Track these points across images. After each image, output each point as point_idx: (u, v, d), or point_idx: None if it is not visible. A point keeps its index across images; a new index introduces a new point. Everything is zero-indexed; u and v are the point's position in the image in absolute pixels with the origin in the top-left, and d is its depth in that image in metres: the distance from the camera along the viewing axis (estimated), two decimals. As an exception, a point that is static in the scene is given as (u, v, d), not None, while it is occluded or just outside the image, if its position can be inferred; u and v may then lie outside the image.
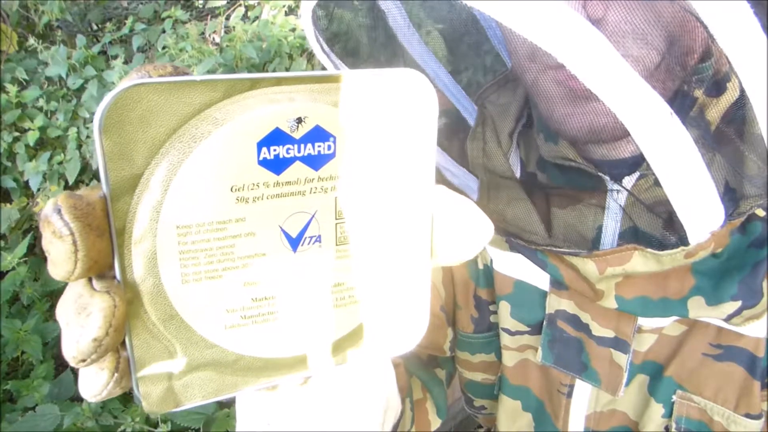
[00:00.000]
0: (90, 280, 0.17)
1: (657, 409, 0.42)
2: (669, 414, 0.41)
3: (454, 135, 0.47)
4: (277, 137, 0.17)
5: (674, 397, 0.41)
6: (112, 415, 1.14)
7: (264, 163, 0.17)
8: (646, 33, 0.31)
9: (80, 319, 0.16)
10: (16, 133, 2.09)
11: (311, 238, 0.19)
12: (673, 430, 0.41)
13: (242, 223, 0.18)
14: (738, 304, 0.35)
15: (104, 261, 0.17)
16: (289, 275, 0.19)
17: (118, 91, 0.15)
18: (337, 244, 0.20)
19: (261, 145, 0.17)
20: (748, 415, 0.39)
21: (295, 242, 0.19)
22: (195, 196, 0.17)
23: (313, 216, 0.19)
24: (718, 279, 0.35)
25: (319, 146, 0.18)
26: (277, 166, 0.17)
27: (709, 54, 0.31)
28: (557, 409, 0.46)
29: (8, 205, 2.09)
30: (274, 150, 0.17)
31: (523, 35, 0.25)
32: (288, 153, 0.18)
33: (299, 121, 0.17)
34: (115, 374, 0.18)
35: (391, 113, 0.19)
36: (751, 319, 0.36)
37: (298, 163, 0.18)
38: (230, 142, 0.16)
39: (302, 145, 0.18)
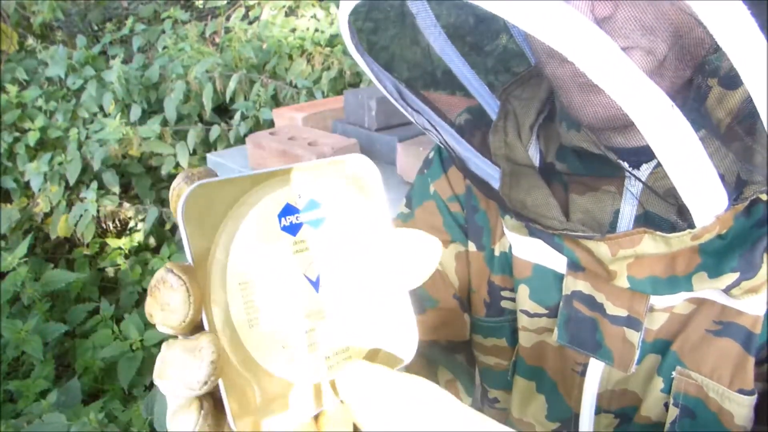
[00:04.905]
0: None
1: (657, 383, 0.43)
2: (668, 390, 0.42)
3: (477, 128, 0.50)
4: (289, 209, 0.24)
5: (674, 373, 0.42)
6: (117, 426, 1.15)
7: (285, 228, 0.24)
8: (653, 28, 0.33)
9: (194, 356, 0.20)
10: (17, 134, 2.08)
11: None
12: (671, 405, 0.42)
13: (281, 274, 0.24)
14: (736, 275, 0.36)
15: (198, 315, 0.21)
16: (318, 311, 0.25)
17: (191, 190, 0.22)
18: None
19: (280, 216, 0.24)
20: (741, 391, 0.40)
21: (315, 284, 0.25)
22: (246, 258, 0.23)
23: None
24: (722, 256, 0.37)
25: (316, 212, 0.25)
26: (293, 229, 0.24)
27: (711, 48, 0.33)
28: (570, 388, 0.48)
29: (8, 205, 2.09)
30: (289, 219, 0.24)
31: (533, 34, 0.28)
32: (297, 219, 0.24)
33: (300, 196, 0.24)
34: (202, 411, 0.21)
35: (349, 187, 0.26)
36: (750, 291, 0.37)
37: (305, 225, 0.24)
38: (262, 216, 0.23)
39: (305, 213, 0.24)
